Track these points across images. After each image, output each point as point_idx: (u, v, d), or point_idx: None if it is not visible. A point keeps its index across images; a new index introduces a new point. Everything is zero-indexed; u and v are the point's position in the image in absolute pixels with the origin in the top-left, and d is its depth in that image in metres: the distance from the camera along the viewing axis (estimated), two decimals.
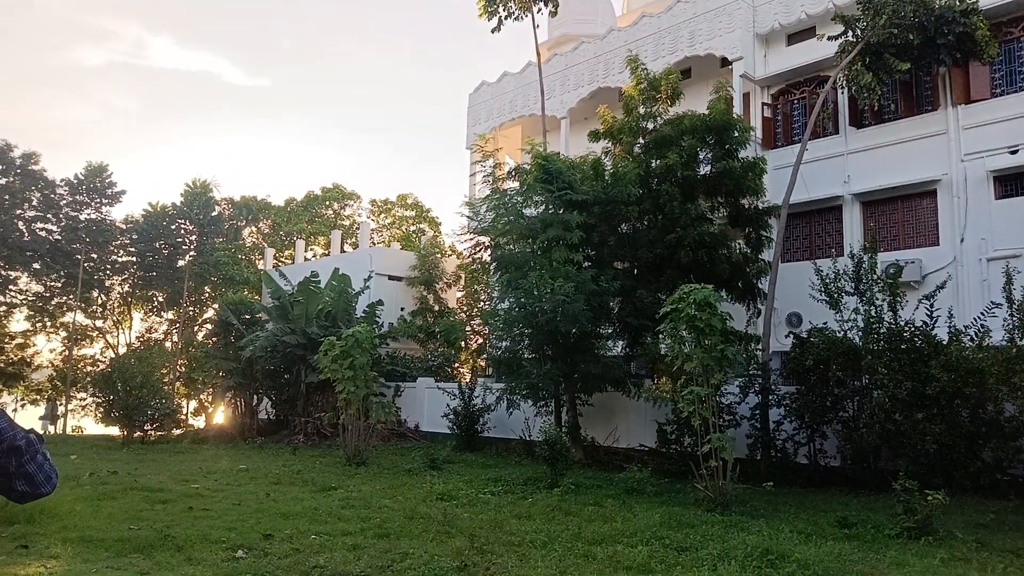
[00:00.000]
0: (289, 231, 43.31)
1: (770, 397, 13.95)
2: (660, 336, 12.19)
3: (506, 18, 23.19)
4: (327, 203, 45.62)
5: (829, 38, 17.14)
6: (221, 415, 28.90)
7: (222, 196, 42.85)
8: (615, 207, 16.61)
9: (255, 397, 25.67)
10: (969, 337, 12.03)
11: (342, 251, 36.40)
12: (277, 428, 24.28)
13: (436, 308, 30.03)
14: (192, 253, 40.12)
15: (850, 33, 16.50)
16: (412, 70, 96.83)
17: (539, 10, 23.20)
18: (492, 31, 23.24)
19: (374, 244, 40.49)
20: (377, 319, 24.84)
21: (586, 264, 16.62)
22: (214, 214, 41.41)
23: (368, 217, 45.64)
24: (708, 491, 10.66)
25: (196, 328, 41.46)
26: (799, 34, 19.97)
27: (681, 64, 21.32)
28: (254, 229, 45.32)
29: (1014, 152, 15.92)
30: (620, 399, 17.06)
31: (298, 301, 24.16)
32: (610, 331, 16.97)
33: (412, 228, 45.67)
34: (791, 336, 14.36)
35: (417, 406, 23.26)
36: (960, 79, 16.92)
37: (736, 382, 13.96)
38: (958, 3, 15.89)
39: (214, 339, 29.08)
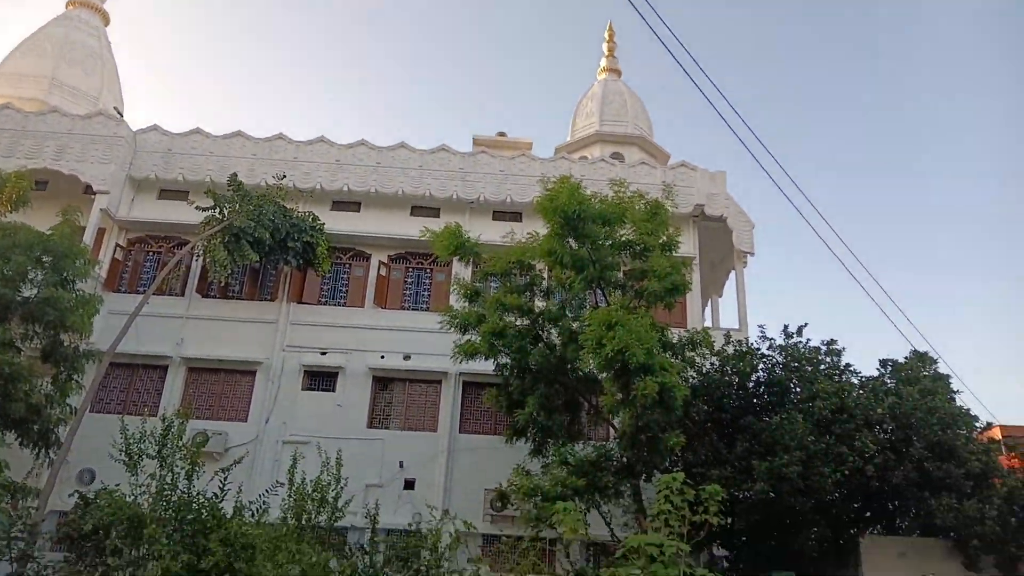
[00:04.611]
0: None
1: (29, 566, 12.02)
2: None
3: None
4: None
5: (199, 207, 17.96)
6: None
7: None
8: None
9: None
10: (251, 512, 12.83)
11: None
12: None
13: None
14: None
15: (218, 210, 17.67)
16: None
17: None
18: None
19: None
20: None
21: None
22: None
23: None
24: None
25: None
26: (173, 192, 20.34)
27: (39, 174, 19.17)
28: None
29: (323, 353, 18.77)
30: None
31: None
32: None
33: None
34: (76, 495, 12.98)
35: None
36: (298, 281, 19.55)
37: None
38: (310, 219, 18.83)
39: None
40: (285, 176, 18.89)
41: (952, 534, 14.47)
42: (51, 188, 19.82)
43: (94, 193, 19.28)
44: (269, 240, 17.58)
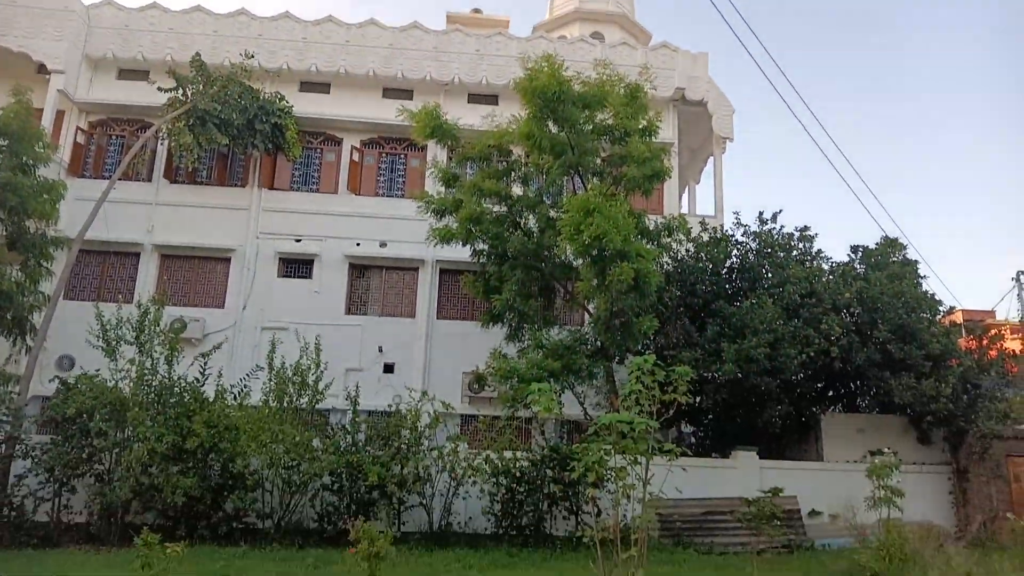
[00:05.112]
0: None
1: (17, 448, 12.28)
2: None
3: None
4: None
5: (161, 89, 17.18)
6: None
7: None
8: None
9: None
10: (233, 396, 13.10)
11: None
12: None
13: None
14: None
15: (181, 91, 16.93)
16: None
17: None
18: None
19: None
20: None
21: None
22: None
23: None
24: None
25: None
26: (133, 72, 19.38)
27: None
28: None
29: (298, 240, 18.60)
30: None
31: None
32: None
33: None
34: (57, 380, 13.10)
35: None
36: (268, 166, 19.07)
37: None
38: (278, 100, 18.14)
39: None
40: (253, 56, 17.99)
41: (909, 411, 15.21)
42: None
43: (48, 73, 18.31)
44: (237, 120, 16.97)
